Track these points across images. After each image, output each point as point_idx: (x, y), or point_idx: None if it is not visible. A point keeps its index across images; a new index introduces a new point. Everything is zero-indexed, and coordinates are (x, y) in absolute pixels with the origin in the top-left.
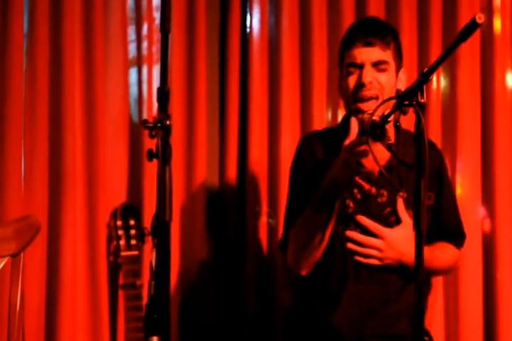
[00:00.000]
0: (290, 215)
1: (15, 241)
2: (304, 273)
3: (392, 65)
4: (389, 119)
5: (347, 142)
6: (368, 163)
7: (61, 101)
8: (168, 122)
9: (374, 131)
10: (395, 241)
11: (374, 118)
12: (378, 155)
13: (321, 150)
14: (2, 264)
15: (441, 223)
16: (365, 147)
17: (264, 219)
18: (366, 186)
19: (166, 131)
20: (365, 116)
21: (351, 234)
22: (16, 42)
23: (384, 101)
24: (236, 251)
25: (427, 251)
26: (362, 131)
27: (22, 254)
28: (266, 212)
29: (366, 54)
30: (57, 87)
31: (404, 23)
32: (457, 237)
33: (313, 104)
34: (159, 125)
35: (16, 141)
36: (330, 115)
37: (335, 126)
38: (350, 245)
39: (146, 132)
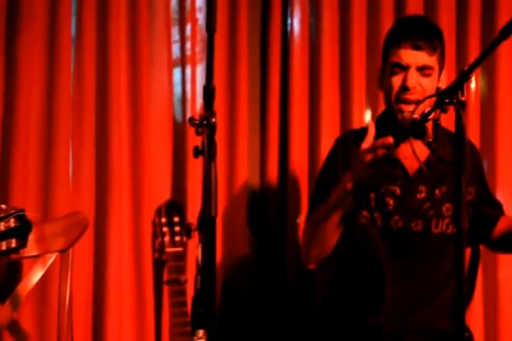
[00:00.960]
0: (310, 214)
1: (64, 237)
2: (311, 267)
3: (436, 69)
4: (429, 117)
5: (364, 145)
6: (407, 161)
7: (107, 101)
8: (213, 120)
9: (415, 128)
10: None
11: (415, 116)
12: (418, 153)
13: (356, 150)
14: (52, 259)
15: (487, 208)
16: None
17: (303, 217)
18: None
19: (212, 129)
20: (406, 115)
21: None
22: (64, 45)
23: (424, 99)
24: (277, 248)
25: None
26: (403, 129)
27: (71, 250)
28: (306, 210)
29: (413, 57)
30: (104, 87)
31: (442, 22)
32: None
33: (352, 104)
34: (205, 122)
35: (64, 140)
36: (369, 114)
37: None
38: None
39: (189, 130)
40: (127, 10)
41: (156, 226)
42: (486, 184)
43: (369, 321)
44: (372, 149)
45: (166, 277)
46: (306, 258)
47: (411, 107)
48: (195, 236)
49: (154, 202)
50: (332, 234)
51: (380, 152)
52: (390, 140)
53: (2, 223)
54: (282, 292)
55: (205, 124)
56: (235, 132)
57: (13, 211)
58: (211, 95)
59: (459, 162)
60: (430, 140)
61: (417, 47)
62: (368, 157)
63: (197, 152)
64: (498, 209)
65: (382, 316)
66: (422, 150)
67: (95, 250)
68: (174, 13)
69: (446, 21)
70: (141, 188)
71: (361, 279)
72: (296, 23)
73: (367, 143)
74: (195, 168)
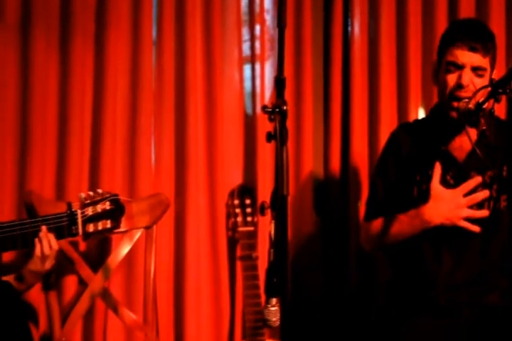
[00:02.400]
0: (369, 204)
1: (148, 215)
2: (368, 250)
3: (488, 70)
4: (483, 107)
5: (434, 183)
6: (455, 152)
7: (185, 94)
8: (284, 107)
9: (469, 117)
10: None
11: (469, 106)
12: (466, 144)
13: (408, 142)
14: (138, 235)
15: None
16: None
17: (364, 201)
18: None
19: (283, 115)
20: (461, 104)
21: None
22: (146, 44)
23: (479, 90)
24: (340, 231)
25: None
26: (456, 122)
27: (154, 227)
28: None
29: (468, 58)
30: (182, 82)
31: (493, 22)
32: None
33: (409, 99)
34: (277, 110)
35: (147, 130)
36: (422, 111)
37: (424, 117)
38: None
39: (259, 121)
40: (202, 13)
41: (230, 207)
42: None
43: (426, 295)
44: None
45: (239, 253)
46: (364, 245)
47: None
48: (268, 214)
49: (228, 185)
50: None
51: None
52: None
53: (99, 205)
54: (346, 270)
55: (277, 111)
56: (300, 128)
57: (108, 195)
58: (282, 85)
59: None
60: (484, 128)
61: (472, 49)
62: (457, 221)
63: (269, 137)
64: None
65: (439, 291)
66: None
67: (175, 227)
68: (244, 15)
69: (496, 21)
70: (215, 173)
71: (418, 256)
72: (356, 23)
73: (434, 182)
74: (264, 154)
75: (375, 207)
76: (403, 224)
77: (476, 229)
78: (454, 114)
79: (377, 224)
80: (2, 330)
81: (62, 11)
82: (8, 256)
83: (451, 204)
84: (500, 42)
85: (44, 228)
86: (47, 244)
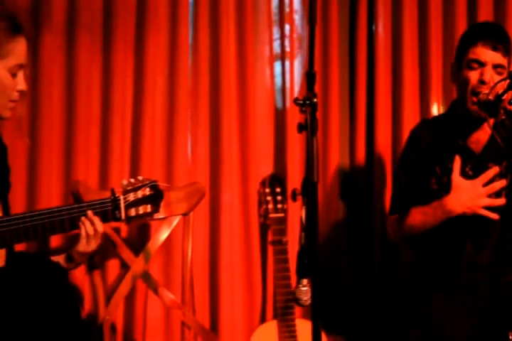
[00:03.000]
0: (394, 198)
1: (186, 202)
2: (395, 241)
3: (507, 69)
4: (503, 98)
5: (455, 176)
6: (472, 145)
7: (219, 90)
8: (315, 99)
9: (489, 108)
10: None
11: (489, 97)
12: (486, 131)
13: (428, 138)
14: (176, 221)
15: None
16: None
17: (388, 193)
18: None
19: (313, 107)
20: (481, 96)
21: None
22: (183, 44)
23: (498, 82)
24: (365, 217)
25: None
26: (479, 109)
27: (191, 214)
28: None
29: (490, 56)
30: (216, 78)
31: (509, 22)
32: None
33: (431, 94)
34: (308, 102)
35: (184, 123)
36: (445, 102)
37: (443, 113)
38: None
39: (288, 114)
40: (235, 14)
41: (261, 195)
42: None
43: (449, 276)
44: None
45: (270, 238)
46: (390, 236)
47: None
48: (299, 200)
49: (259, 174)
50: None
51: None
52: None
53: (139, 191)
54: (371, 250)
55: (308, 104)
56: (327, 118)
57: (148, 181)
58: (312, 79)
59: None
60: (503, 117)
61: (494, 48)
62: (477, 210)
63: (301, 127)
64: None
65: (461, 272)
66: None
67: (211, 214)
68: (274, 15)
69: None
70: (248, 163)
71: (442, 242)
72: (380, 21)
73: (456, 173)
74: (293, 146)
75: (398, 201)
76: (427, 216)
77: (495, 216)
78: (474, 108)
79: (403, 217)
80: (55, 307)
81: (104, 16)
82: (57, 239)
83: (471, 194)
84: None
85: (90, 212)
86: (91, 226)
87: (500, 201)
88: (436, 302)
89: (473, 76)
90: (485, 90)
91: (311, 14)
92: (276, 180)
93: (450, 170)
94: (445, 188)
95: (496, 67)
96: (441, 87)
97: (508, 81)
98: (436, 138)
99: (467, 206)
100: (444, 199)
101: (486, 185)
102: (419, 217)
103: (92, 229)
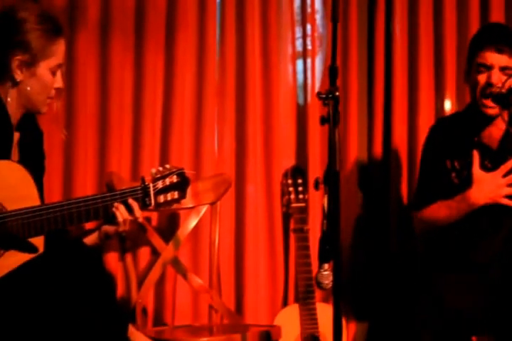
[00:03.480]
0: (417, 194)
1: (213, 192)
2: (420, 235)
3: None
4: None
5: (475, 169)
6: (486, 139)
7: (245, 85)
8: (337, 93)
9: (502, 100)
10: None
11: (502, 90)
12: (498, 127)
13: (445, 135)
14: (204, 210)
15: None
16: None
17: (404, 185)
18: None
19: (336, 100)
20: (494, 89)
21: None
22: (211, 43)
23: (510, 76)
24: (383, 207)
25: None
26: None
27: (218, 203)
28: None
29: (496, 59)
30: (242, 75)
31: None
32: None
33: (445, 91)
34: (330, 95)
35: (211, 117)
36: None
37: (460, 111)
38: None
39: (310, 109)
40: (260, 14)
41: (284, 186)
42: None
43: (466, 257)
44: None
45: (292, 226)
46: (418, 232)
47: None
48: (321, 189)
49: (282, 166)
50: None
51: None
52: None
53: (167, 179)
54: (387, 237)
55: (331, 97)
56: (346, 111)
57: (174, 169)
58: (335, 73)
59: None
60: None
61: (499, 51)
62: (499, 199)
63: (323, 120)
64: None
65: (478, 254)
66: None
67: (236, 203)
68: (297, 15)
69: None
70: (271, 155)
71: (461, 227)
72: (397, 19)
73: (476, 167)
74: (314, 139)
75: (422, 197)
76: (451, 209)
77: None
78: (484, 108)
79: (428, 212)
80: (92, 290)
81: (136, 16)
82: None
83: (492, 185)
84: None
85: (130, 199)
86: (125, 211)
87: None
88: (448, 280)
89: (482, 79)
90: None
91: (333, 14)
92: (298, 171)
93: (469, 164)
94: (466, 182)
95: (503, 69)
96: (455, 83)
97: None
98: (453, 135)
99: (489, 197)
100: (467, 193)
101: (505, 175)
102: (443, 211)
103: (126, 213)
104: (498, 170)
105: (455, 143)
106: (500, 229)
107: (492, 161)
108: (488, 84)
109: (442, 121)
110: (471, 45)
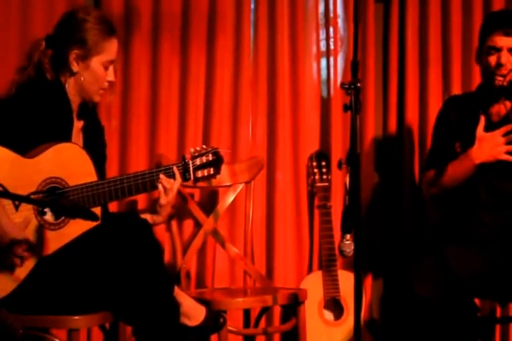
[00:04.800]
0: (430, 156)
1: (247, 173)
2: (428, 195)
3: None
4: None
5: (479, 130)
6: (494, 115)
7: (275, 81)
8: (358, 84)
9: (504, 92)
10: None
11: (504, 83)
12: (501, 111)
13: (455, 111)
14: (240, 188)
15: None
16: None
17: (416, 162)
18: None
19: (357, 90)
20: (497, 82)
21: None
22: (246, 44)
23: (511, 70)
24: (396, 182)
25: None
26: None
27: (252, 182)
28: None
29: (505, 41)
30: (272, 71)
31: None
32: None
33: (452, 77)
34: (352, 86)
35: (246, 108)
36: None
37: (472, 91)
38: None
39: (333, 101)
40: (288, 18)
41: (309, 168)
42: None
43: (469, 230)
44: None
45: (316, 203)
46: (427, 190)
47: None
48: (343, 169)
49: (307, 150)
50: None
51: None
52: None
53: (204, 157)
54: (401, 210)
55: (353, 87)
56: (365, 98)
57: (210, 149)
58: (356, 67)
59: None
60: None
61: (507, 34)
62: (498, 155)
63: (346, 108)
64: None
65: (479, 226)
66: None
67: (267, 183)
68: (321, 19)
69: None
70: (298, 141)
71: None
72: (409, 23)
73: (480, 128)
74: (337, 127)
75: (431, 162)
76: (455, 166)
77: None
78: (498, 82)
79: (434, 172)
80: (143, 255)
81: (182, 21)
82: (142, 203)
83: (491, 143)
84: None
85: (174, 168)
86: (169, 181)
87: None
88: (452, 249)
89: (492, 60)
90: (504, 71)
91: (355, 17)
92: (322, 155)
93: (472, 137)
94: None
95: (511, 50)
96: (460, 73)
97: None
98: (463, 109)
99: (489, 154)
100: (469, 151)
101: (505, 135)
102: (449, 168)
103: (169, 183)
104: (498, 130)
105: (463, 117)
106: (500, 204)
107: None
108: (499, 64)
109: (454, 98)
110: (481, 31)
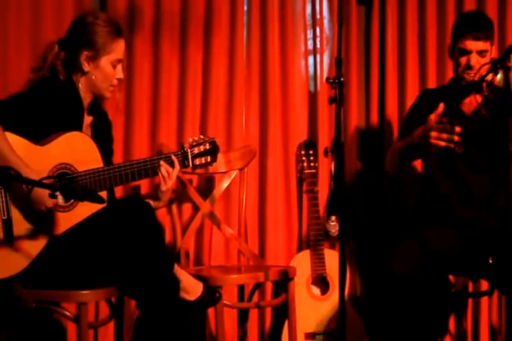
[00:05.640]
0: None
1: (241, 160)
2: (390, 174)
3: (489, 50)
4: (486, 79)
5: (432, 115)
6: (464, 107)
7: (266, 74)
8: (342, 79)
9: (475, 86)
10: None
11: (475, 78)
12: (473, 103)
13: (428, 103)
14: (234, 174)
15: None
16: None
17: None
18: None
19: (341, 85)
20: (468, 78)
21: None
22: (239, 43)
23: (482, 66)
24: (378, 167)
25: None
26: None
27: (246, 169)
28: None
29: (474, 45)
30: (264, 68)
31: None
32: None
33: (428, 73)
34: (337, 81)
35: (240, 101)
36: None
37: (445, 85)
38: None
39: (319, 94)
40: (279, 19)
41: (298, 156)
42: None
43: (445, 211)
44: (438, 138)
45: (305, 188)
46: (387, 166)
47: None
48: (329, 156)
49: (296, 140)
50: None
51: (442, 144)
52: (456, 138)
53: (202, 146)
54: (382, 194)
55: (337, 82)
56: (349, 94)
57: (208, 139)
58: (340, 63)
59: (507, 106)
60: (486, 94)
61: (476, 38)
62: (433, 141)
63: (331, 100)
64: None
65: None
66: (475, 102)
67: (260, 170)
68: (308, 21)
69: (492, 13)
70: (288, 131)
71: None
72: (389, 23)
73: (434, 116)
74: (323, 119)
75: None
76: (403, 142)
77: (450, 146)
78: (464, 83)
79: (391, 147)
80: (145, 235)
81: (181, 21)
82: (145, 188)
83: (425, 127)
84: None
85: (173, 156)
86: (169, 168)
87: (449, 136)
88: (428, 230)
89: (463, 61)
90: (472, 73)
91: (339, 18)
92: (310, 144)
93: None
94: None
95: (480, 52)
96: (435, 68)
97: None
98: (435, 102)
99: (421, 135)
100: (415, 131)
101: (439, 123)
102: (399, 144)
103: (170, 169)
104: (432, 114)
105: (436, 107)
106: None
107: (463, 127)
108: (468, 66)
109: (427, 91)
110: (453, 30)
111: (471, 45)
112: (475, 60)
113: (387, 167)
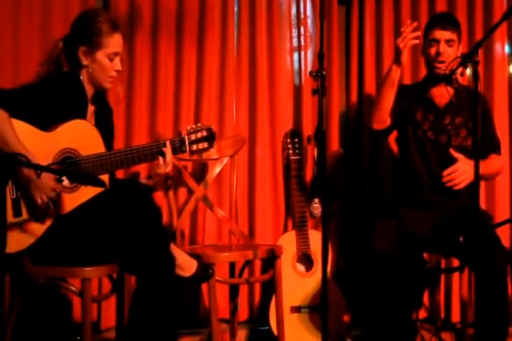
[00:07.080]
0: None
1: (232, 147)
2: (375, 127)
3: (456, 42)
4: (456, 71)
5: (399, 39)
6: (436, 99)
7: (255, 71)
8: (324, 72)
9: (446, 78)
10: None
11: (446, 71)
12: (444, 95)
13: (406, 99)
14: (225, 161)
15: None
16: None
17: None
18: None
19: (323, 77)
20: (439, 71)
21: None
22: (230, 41)
23: (452, 60)
24: (357, 151)
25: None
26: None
27: (236, 156)
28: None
29: (442, 34)
30: (253, 63)
31: (459, 15)
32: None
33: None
34: (319, 74)
35: (231, 94)
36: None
37: (418, 82)
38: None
39: (304, 87)
40: (266, 19)
41: (284, 144)
42: (490, 123)
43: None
44: (403, 38)
45: (292, 173)
46: (370, 120)
47: (443, 65)
48: (312, 143)
49: (283, 129)
50: (388, 93)
51: (409, 40)
52: (418, 33)
53: (199, 133)
54: (361, 178)
55: (320, 75)
56: (330, 83)
57: (204, 126)
58: (322, 57)
59: (475, 99)
60: (456, 85)
61: (444, 28)
62: (401, 45)
63: (314, 92)
64: (490, 145)
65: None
66: (447, 94)
67: (249, 156)
68: (293, 20)
69: (462, 15)
70: (275, 121)
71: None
72: (367, 22)
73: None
74: (307, 110)
75: None
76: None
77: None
78: (436, 71)
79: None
80: (145, 215)
81: (177, 20)
82: (144, 172)
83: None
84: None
85: (167, 142)
86: (169, 154)
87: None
88: (406, 210)
89: (433, 50)
90: (441, 58)
91: (321, 17)
92: (295, 133)
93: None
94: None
95: (448, 41)
96: (410, 64)
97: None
98: (411, 97)
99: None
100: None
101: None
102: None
103: (168, 157)
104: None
105: (413, 102)
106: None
107: (434, 116)
108: (438, 53)
109: (405, 86)
110: (425, 28)
111: (439, 34)
112: (443, 47)
113: (372, 120)
